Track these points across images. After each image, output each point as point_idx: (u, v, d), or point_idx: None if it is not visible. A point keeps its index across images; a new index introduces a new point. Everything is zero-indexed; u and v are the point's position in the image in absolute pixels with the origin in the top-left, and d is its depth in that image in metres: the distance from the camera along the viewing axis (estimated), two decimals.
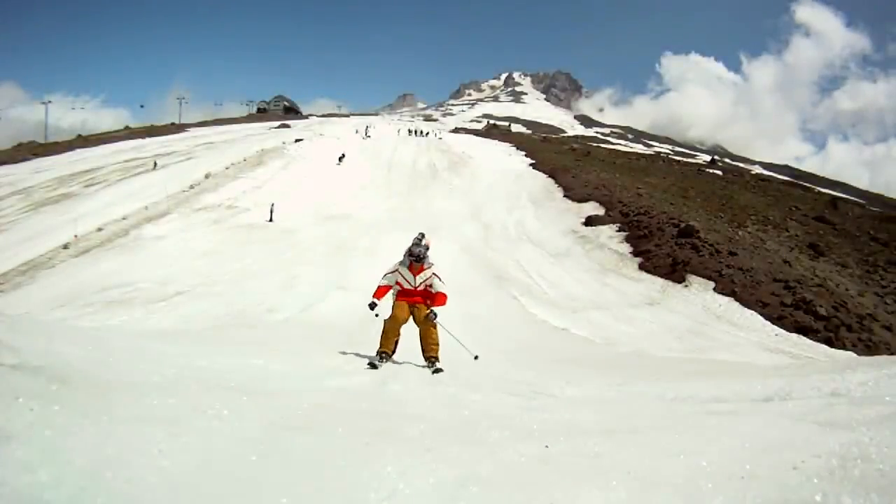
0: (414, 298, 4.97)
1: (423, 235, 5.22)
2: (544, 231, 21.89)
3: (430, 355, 4.78)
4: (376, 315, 4.98)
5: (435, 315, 4.84)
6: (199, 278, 13.83)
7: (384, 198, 27.34)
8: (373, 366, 4.35)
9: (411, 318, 4.93)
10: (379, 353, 4.74)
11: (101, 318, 10.47)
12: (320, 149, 37.93)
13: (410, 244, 5.07)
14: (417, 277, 4.97)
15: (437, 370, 4.47)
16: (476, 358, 5.12)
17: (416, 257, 4.97)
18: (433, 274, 5.04)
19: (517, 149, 46.47)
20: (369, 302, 4.93)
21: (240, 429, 1.37)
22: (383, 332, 4.80)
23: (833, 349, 10.86)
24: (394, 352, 4.86)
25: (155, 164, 30.88)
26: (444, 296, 5.00)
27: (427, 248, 5.08)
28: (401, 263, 5.06)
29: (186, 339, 5.31)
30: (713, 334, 11.31)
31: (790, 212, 27.60)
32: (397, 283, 5.06)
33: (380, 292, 5.01)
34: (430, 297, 5.01)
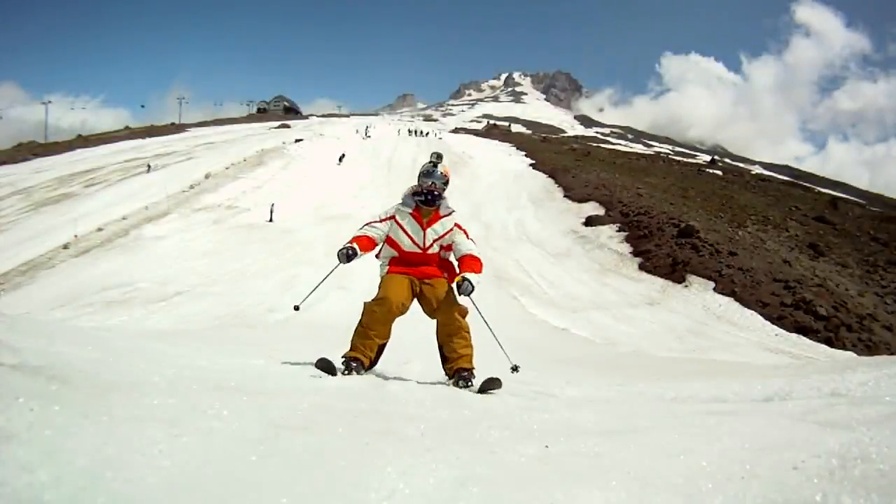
0: (423, 269, 2.90)
1: (439, 157, 3.04)
2: (544, 231, 21.92)
3: (462, 367, 2.80)
4: (296, 308, 3.01)
5: (471, 287, 2.75)
6: (198, 278, 13.86)
7: (384, 197, 27.31)
8: (328, 369, 2.58)
9: (416, 302, 2.91)
10: (347, 358, 2.73)
11: (100, 318, 10.49)
12: (320, 149, 37.98)
13: (419, 173, 2.99)
14: (429, 231, 2.91)
15: (490, 386, 2.67)
16: (515, 370, 3.02)
17: (426, 196, 2.91)
18: (455, 225, 2.95)
19: (517, 149, 46.50)
20: (344, 248, 2.85)
21: (240, 429, 1.37)
22: (361, 324, 2.78)
23: (833, 349, 10.89)
24: (373, 363, 2.87)
25: (149, 167, 30.29)
26: (479, 261, 2.90)
27: (446, 182, 2.98)
28: (402, 205, 2.98)
29: (186, 339, 5.30)
30: (713, 334, 11.34)
31: (790, 212, 27.62)
32: (390, 240, 2.95)
33: (361, 243, 2.90)
34: (449, 269, 2.97)
